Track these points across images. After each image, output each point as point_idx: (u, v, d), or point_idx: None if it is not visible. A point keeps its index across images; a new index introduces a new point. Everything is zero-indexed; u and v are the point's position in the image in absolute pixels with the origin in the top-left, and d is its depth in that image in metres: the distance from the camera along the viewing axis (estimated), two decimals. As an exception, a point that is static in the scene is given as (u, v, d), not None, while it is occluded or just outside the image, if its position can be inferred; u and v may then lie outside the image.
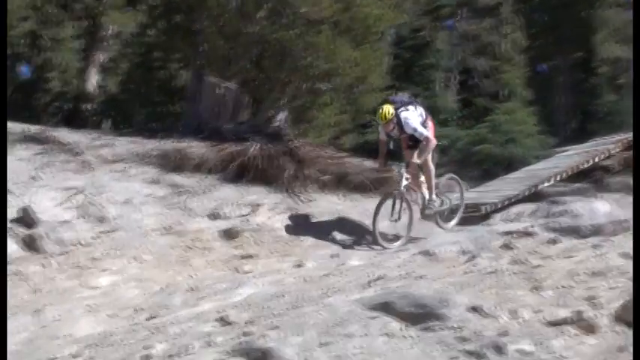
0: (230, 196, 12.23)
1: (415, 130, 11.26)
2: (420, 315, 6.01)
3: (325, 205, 12.65)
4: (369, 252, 10.42)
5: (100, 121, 21.97)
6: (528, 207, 11.60)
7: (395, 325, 5.91)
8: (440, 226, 11.79)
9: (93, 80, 24.00)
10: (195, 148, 13.54)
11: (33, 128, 14.61)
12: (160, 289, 8.60)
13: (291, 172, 13.21)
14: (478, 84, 28.80)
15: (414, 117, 11.37)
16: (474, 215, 12.71)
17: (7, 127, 14.21)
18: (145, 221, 10.98)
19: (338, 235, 11.52)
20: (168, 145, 13.80)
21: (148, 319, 7.04)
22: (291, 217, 11.93)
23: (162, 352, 5.95)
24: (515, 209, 12.07)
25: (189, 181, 12.59)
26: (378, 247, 10.64)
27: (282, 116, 15.78)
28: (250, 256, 10.25)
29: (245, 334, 6.18)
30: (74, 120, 21.23)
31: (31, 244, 9.59)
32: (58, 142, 13.70)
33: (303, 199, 12.84)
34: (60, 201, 10.90)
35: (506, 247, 8.60)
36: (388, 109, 11.24)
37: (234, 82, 15.50)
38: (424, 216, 11.80)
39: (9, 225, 9.70)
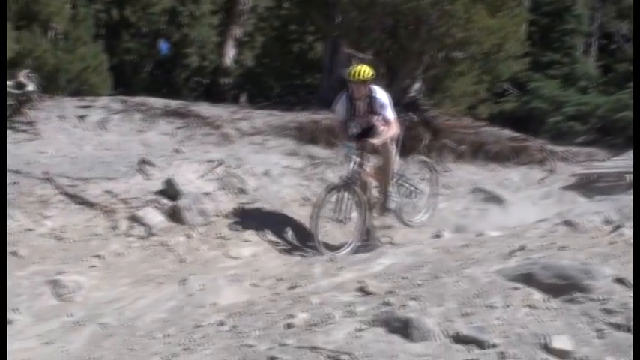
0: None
1: (386, 108, 9.54)
2: (564, 286, 5.85)
3: (462, 175, 12.50)
4: (509, 221, 10.22)
5: (238, 94, 22.35)
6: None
7: (537, 296, 5.78)
8: (404, 223, 10.17)
9: (230, 55, 24.44)
10: (329, 119, 13.63)
11: (174, 103, 15.06)
12: (300, 259, 8.69)
13: (427, 142, 13.13)
14: (619, 49, 27.74)
15: (386, 96, 9.70)
16: (619, 184, 12.28)
17: (150, 102, 14.72)
18: (283, 192, 11.13)
19: (474, 206, 11.36)
20: (305, 117, 13.97)
21: (289, 289, 7.14)
22: (428, 188, 11.83)
23: (304, 321, 5.99)
24: (662, 177, 11.61)
25: (325, 153, 12.70)
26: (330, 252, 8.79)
27: (417, 86, 15.67)
28: (388, 227, 10.26)
29: (385, 304, 6.17)
30: (212, 94, 21.70)
31: (174, 216, 9.84)
32: (198, 116, 14.09)
33: (439, 170, 12.74)
34: (201, 173, 11.15)
35: (654, 216, 8.28)
36: (366, 68, 9.53)
37: (369, 52, 15.49)
38: (383, 211, 10.07)
39: (154, 197, 10.00)
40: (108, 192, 9.81)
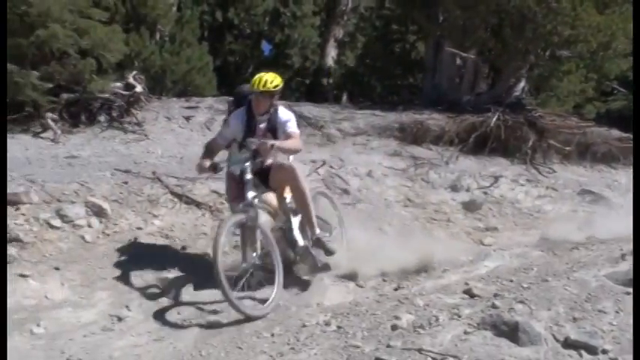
0: (470, 167, 12.18)
1: (290, 121, 7.73)
2: (678, 291, 5.70)
3: (568, 177, 12.27)
4: (618, 224, 9.97)
5: (339, 95, 22.44)
6: None
7: (652, 301, 5.64)
8: (316, 270, 7.77)
9: (331, 55, 24.55)
10: (435, 119, 13.59)
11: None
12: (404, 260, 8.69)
13: (533, 142, 12.93)
14: None
15: (291, 114, 7.96)
16: None
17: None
18: (387, 193, 11.13)
19: (581, 208, 11.14)
20: (408, 117, 13.93)
21: (394, 290, 7.15)
22: (533, 189, 11.66)
23: (409, 323, 5.98)
24: None
25: (429, 153, 12.65)
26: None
27: (521, 86, 15.44)
28: (493, 229, 10.15)
29: (491, 307, 6.11)
30: (314, 94, 21.84)
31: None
32: (301, 116, 14.18)
33: (544, 171, 12.52)
34: (306, 173, 11.24)
35: None
36: (272, 77, 7.61)
37: (473, 52, 15.34)
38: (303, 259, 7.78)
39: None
40: (214, 191, 9.97)
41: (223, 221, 6.92)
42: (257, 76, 7.57)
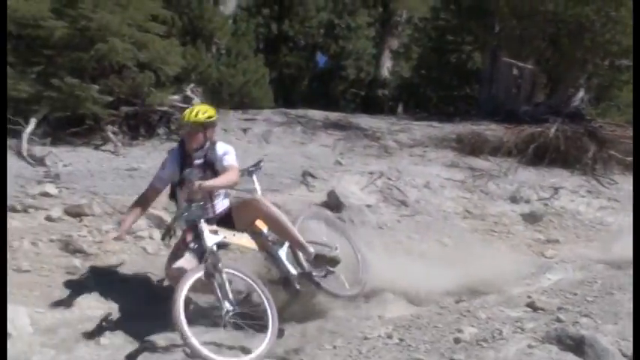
0: (530, 178, 12.07)
1: (226, 153, 7.02)
2: None
3: (629, 188, 12.06)
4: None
5: (395, 106, 22.38)
6: None
7: None
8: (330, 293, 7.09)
9: (386, 66, 24.52)
10: (492, 130, 13.50)
11: (333, 115, 15.27)
12: (465, 273, 8.62)
13: (593, 153, 12.77)
14: None
15: (230, 147, 7.25)
16: None
17: (310, 114, 14.97)
18: (445, 205, 11.06)
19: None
20: (465, 128, 13.88)
21: (456, 302, 7.10)
22: (594, 201, 11.50)
23: (472, 336, 5.96)
24: None
25: (487, 164, 12.57)
26: None
27: (580, 95, 15.26)
28: (555, 241, 10.03)
29: (556, 320, 6.05)
30: (370, 106, 21.81)
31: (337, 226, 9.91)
32: (357, 127, 14.22)
33: (606, 182, 12.34)
34: (363, 185, 11.23)
35: None
36: (204, 108, 7.09)
37: (530, 62, 15.22)
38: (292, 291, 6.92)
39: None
40: (273, 203, 10.00)
41: (179, 284, 6.07)
42: (189, 109, 7.08)
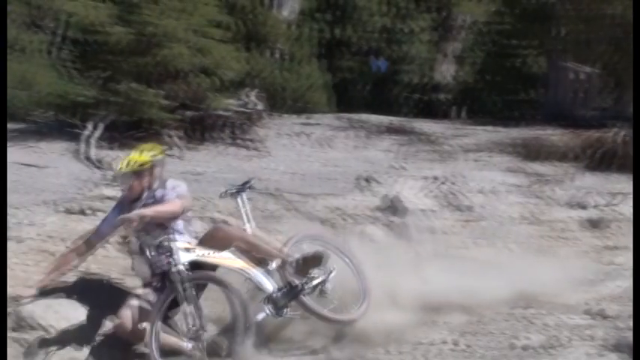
0: (595, 184, 11.89)
1: (174, 187, 6.65)
2: None
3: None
4: None
5: (457, 110, 22.23)
6: None
7: None
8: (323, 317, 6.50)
9: (448, 71, 24.37)
10: (556, 135, 13.36)
11: (394, 120, 15.28)
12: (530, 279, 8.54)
13: (661, 160, 12.54)
14: None
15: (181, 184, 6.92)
16: None
17: (371, 119, 14.99)
18: (508, 210, 10.95)
19: None
20: (528, 133, 13.76)
21: (523, 309, 7.04)
22: (662, 208, 11.28)
23: (538, 343, 5.94)
24: None
25: (550, 170, 12.43)
26: None
27: (647, 100, 15.00)
28: (623, 247, 9.84)
29: (616, 328, 5.98)
30: (431, 110, 21.70)
31: (402, 233, 9.90)
32: (419, 132, 14.19)
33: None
34: (426, 190, 11.19)
35: None
36: (140, 155, 6.65)
37: (596, 66, 15.02)
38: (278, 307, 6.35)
39: (380, 213, 10.15)
40: (337, 208, 10.05)
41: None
42: (121, 160, 6.77)
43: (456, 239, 9.49)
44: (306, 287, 6.33)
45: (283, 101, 17.30)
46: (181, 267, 6.09)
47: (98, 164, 11.71)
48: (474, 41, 23.57)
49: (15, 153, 12.62)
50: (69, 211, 9.01)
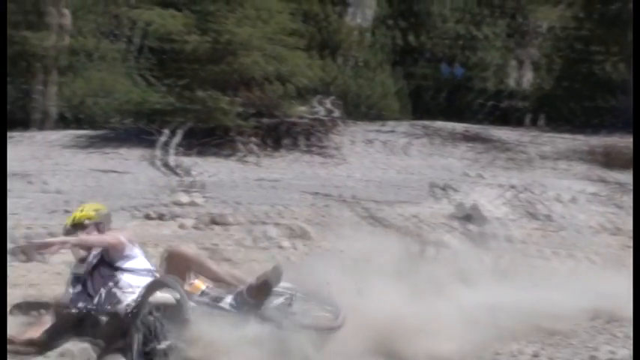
0: (680, 194, 11.58)
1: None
2: None
3: None
4: None
5: (535, 118, 21.93)
6: None
7: None
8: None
9: (525, 78, 24.06)
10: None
11: (471, 127, 15.15)
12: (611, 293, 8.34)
13: None
14: None
15: None
16: None
17: (449, 127, 14.89)
18: (587, 220, 10.73)
19: None
20: (607, 140, 13.52)
21: (606, 322, 6.86)
22: None
23: (625, 357, 5.78)
24: None
25: (630, 178, 12.14)
26: None
27: None
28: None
29: None
30: (509, 118, 21.45)
31: (476, 240, 9.78)
32: (497, 140, 14.03)
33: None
34: (500, 198, 11.05)
35: None
36: (82, 208, 6.10)
37: (678, 73, 14.66)
38: None
39: (458, 222, 10.04)
40: (413, 216, 9.98)
41: None
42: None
43: (535, 249, 9.30)
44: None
45: (357, 108, 17.27)
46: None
47: (176, 170, 11.83)
48: (551, 47, 23.22)
49: (95, 159, 12.90)
50: (148, 217, 9.15)
